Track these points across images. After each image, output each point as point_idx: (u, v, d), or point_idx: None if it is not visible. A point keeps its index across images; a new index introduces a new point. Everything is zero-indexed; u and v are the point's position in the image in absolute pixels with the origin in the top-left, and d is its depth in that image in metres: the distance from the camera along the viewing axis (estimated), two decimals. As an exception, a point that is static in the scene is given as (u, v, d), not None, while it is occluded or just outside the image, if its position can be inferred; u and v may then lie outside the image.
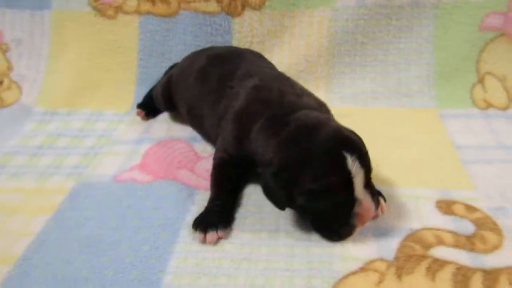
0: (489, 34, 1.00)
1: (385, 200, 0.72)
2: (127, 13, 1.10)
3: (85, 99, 1.10)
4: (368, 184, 0.65)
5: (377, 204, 0.66)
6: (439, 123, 0.95)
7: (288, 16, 1.06)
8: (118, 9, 1.10)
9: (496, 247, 0.65)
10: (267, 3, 1.05)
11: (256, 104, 0.75)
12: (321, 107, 0.78)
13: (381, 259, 0.64)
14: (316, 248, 0.67)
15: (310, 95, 0.80)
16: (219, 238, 0.70)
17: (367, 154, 0.66)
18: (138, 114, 1.05)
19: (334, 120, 0.73)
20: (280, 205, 0.67)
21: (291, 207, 0.68)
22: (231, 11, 1.07)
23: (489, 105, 0.98)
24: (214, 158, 0.80)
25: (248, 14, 1.06)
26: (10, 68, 1.15)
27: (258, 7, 1.06)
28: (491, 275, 0.61)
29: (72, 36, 1.13)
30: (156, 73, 1.10)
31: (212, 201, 0.75)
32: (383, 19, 1.02)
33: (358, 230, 0.66)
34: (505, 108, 0.97)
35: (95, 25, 1.11)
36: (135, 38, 1.10)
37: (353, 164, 0.62)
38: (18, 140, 1.00)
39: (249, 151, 0.73)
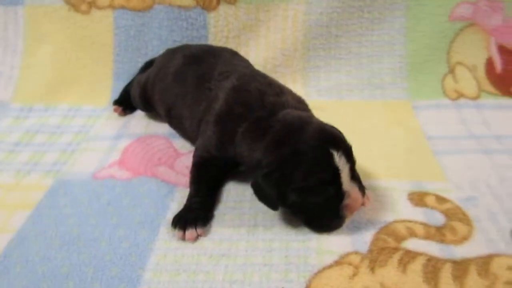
0: (459, 24, 0.98)
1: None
2: (100, 8, 1.05)
3: (61, 94, 1.05)
4: (354, 176, 0.66)
5: (363, 193, 0.67)
6: (412, 115, 0.94)
7: (263, 10, 1.02)
8: (92, 4, 1.05)
9: (465, 238, 0.65)
10: (242, -4, 1.01)
11: (238, 107, 0.73)
12: (300, 103, 0.77)
13: (356, 252, 0.63)
14: (293, 242, 0.66)
15: (288, 92, 0.78)
16: (198, 235, 0.68)
17: (350, 148, 0.67)
18: (115, 110, 1.01)
19: (314, 117, 0.73)
20: (273, 205, 0.66)
21: (283, 206, 0.67)
22: (206, 6, 1.02)
23: (460, 95, 0.97)
24: (194, 156, 0.78)
25: (223, 8, 1.02)
26: (-16, 65, 1.09)
27: (233, 1, 1.01)
28: (460, 266, 0.60)
29: (46, 32, 1.07)
30: (132, 68, 1.06)
31: (191, 198, 0.73)
32: (355, 12, 1.00)
33: (347, 220, 0.66)
34: (475, 98, 0.97)
35: (69, 20, 1.06)
36: (110, 33, 1.05)
37: (339, 160, 0.63)
38: (-7, 137, 0.96)
39: (233, 154, 0.72)
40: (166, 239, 0.68)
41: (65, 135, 0.95)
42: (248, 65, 0.88)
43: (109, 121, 0.99)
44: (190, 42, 1.04)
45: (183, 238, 0.67)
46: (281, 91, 0.76)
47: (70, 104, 1.04)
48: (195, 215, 0.69)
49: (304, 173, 0.62)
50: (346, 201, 0.64)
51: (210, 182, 0.75)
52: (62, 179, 0.82)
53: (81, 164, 0.86)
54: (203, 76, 0.82)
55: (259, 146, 0.67)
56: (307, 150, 0.63)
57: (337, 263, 0.62)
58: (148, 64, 1.01)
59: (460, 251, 0.63)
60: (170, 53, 0.92)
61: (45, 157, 0.88)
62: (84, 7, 1.05)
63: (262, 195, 0.66)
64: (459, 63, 0.98)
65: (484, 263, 0.61)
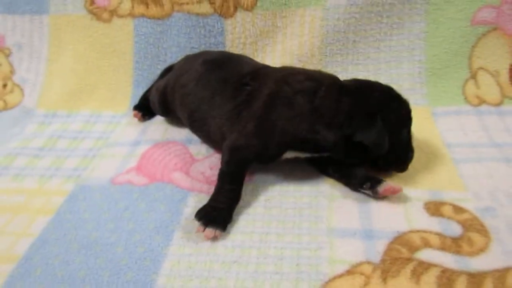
0: (481, 28, 0.97)
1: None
2: (121, 16, 1.08)
3: (83, 101, 1.10)
4: None
5: None
6: (431, 122, 0.93)
7: (280, 16, 1.03)
8: (113, 12, 1.08)
9: (482, 250, 0.64)
10: (258, 3, 1.02)
11: (301, 83, 0.78)
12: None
13: (368, 262, 0.64)
14: (305, 251, 0.67)
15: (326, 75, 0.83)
16: (215, 237, 0.70)
17: None
18: (135, 116, 1.04)
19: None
20: (385, 148, 0.74)
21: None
22: (224, 12, 1.04)
23: (481, 101, 0.95)
24: (233, 149, 0.77)
25: (240, 15, 1.04)
26: (12, 71, 1.15)
27: (250, 8, 1.03)
28: (475, 278, 0.60)
29: (69, 40, 1.11)
30: (152, 75, 1.09)
31: (221, 192, 0.74)
32: (374, 17, 0.99)
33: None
34: (498, 104, 0.95)
35: (91, 28, 1.10)
36: (130, 41, 1.09)
37: None
38: (20, 141, 1.00)
39: (280, 140, 0.76)
40: (180, 245, 0.70)
41: (86, 140, 0.99)
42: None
43: (129, 127, 1.02)
44: (207, 49, 1.06)
45: (201, 232, 0.70)
46: (322, 74, 0.82)
47: (91, 110, 1.08)
48: (220, 217, 0.71)
49: (402, 112, 0.78)
50: None
51: (242, 180, 0.76)
52: (82, 184, 0.85)
53: (101, 169, 0.89)
54: (229, 78, 0.84)
55: (344, 108, 0.75)
56: (390, 97, 0.78)
57: (349, 272, 0.63)
58: (167, 71, 1.04)
59: (476, 263, 0.62)
60: (190, 60, 0.95)
61: (66, 163, 0.92)
62: (105, 15, 1.09)
63: (378, 143, 0.73)
64: (481, 68, 0.97)
65: (501, 276, 0.60)
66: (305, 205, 0.76)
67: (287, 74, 0.80)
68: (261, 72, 0.84)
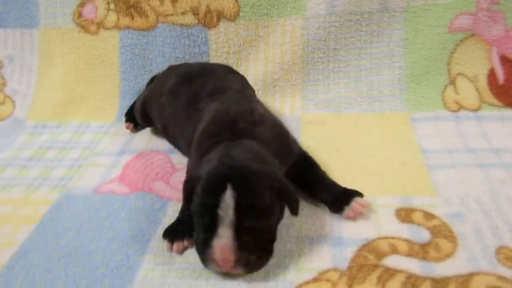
0: (459, 35, 0.98)
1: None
2: (107, 28, 1.12)
3: (72, 112, 1.13)
4: (249, 234, 0.61)
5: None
6: (409, 128, 0.94)
7: (262, 26, 1.05)
8: (100, 24, 1.12)
9: (448, 255, 0.65)
10: (241, 13, 1.05)
11: (214, 130, 0.75)
12: (275, 139, 0.75)
13: (335, 269, 0.65)
14: (273, 258, 0.68)
15: (266, 124, 0.77)
16: (185, 248, 0.72)
17: (267, 208, 0.63)
18: (127, 127, 1.07)
19: (270, 163, 0.69)
20: None
21: None
22: (207, 23, 1.07)
23: (460, 107, 0.96)
24: (186, 173, 0.82)
25: (223, 25, 1.07)
26: (4, 83, 1.19)
27: (233, 18, 1.06)
28: (439, 284, 0.61)
29: (59, 52, 1.15)
30: (138, 85, 1.12)
31: (182, 211, 0.77)
32: (353, 25, 1.01)
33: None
34: (476, 109, 0.96)
35: (79, 40, 1.14)
36: (116, 52, 1.12)
37: (230, 201, 0.60)
38: (10, 152, 1.04)
39: None
40: (156, 253, 0.72)
41: (73, 150, 1.02)
42: (242, 85, 0.91)
43: (115, 137, 1.05)
44: (192, 59, 1.09)
45: (171, 250, 0.71)
46: (260, 119, 0.76)
47: (80, 121, 1.11)
48: (184, 228, 0.73)
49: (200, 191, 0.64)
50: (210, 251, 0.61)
51: None
52: (67, 194, 0.88)
53: (86, 179, 0.92)
54: (193, 96, 0.86)
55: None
56: (213, 175, 0.63)
57: (315, 279, 0.64)
58: (152, 81, 1.07)
59: (441, 269, 0.63)
60: (167, 72, 0.98)
61: (54, 173, 0.95)
62: (93, 28, 1.12)
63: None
64: (460, 74, 0.98)
65: (464, 281, 0.61)
66: None
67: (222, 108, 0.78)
68: (212, 97, 0.83)
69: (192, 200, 0.73)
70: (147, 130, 1.06)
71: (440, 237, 0.68)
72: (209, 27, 1.07)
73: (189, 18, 1.07)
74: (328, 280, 0.64)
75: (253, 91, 0.97)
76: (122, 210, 0.82)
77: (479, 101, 0.96)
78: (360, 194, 0.75)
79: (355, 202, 0.73)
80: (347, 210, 0.73)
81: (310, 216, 0.75)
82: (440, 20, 0.98)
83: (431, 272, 0.63)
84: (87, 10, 1.11)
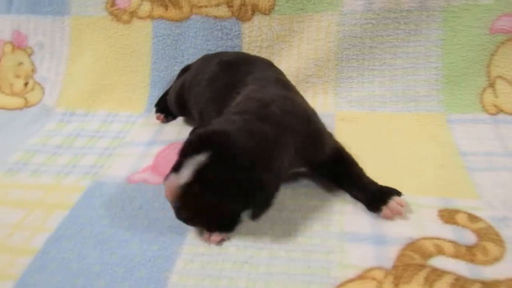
0: (500, 36, 0.96)
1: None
2: (141, 18, 1.11)
3: (101, 101, 1.12)
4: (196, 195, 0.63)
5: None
6: (445, 129, 0.92)
7: (297, 21, 1.04)
8: (133, 14, 1.11)
9: (496, 259, 0.63)
10: (276, 8, 1.04)
11: (244, 106, 0.74)
12: (301, 133, 0.73)
13: (379, 268, 0.63)
14: (315, 254, 0.67)
15: (298, 114, 0.74)
16: (222, 239, 0.71)
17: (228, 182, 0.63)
18: (157, 118, 1.06)
19: (271, 156, 0.66)
20: None
21: None
22: (241, 16, 1.06)
23: (499, 110, 0.94)
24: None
25: (257, 18, 1.05)
26: (34, 70, 1.18)
27: (268, 12, 1.04)
28: (489, 287, 0.59)
29: (89, 40, 1.14)
30: (168, 76, 1.11)
31: None
32: (391, 23, 0.99)
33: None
34: (515, 114, 0.94)
35: (110, 29, 1.13)
36: (148, 42, 1.11)
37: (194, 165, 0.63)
38: (39, 138, 1.03)
39: None
40: (193, 244, 0.71)
41: (102, 139, 1.01)
42: (283, 76, 0.90)
43: (145, 128, 1.04)
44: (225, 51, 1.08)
45: (208, 241, 0.70)
46: (292, 109, 0.74)
47: (109, 110, 1.10)
48: (222, 219, 0.71)
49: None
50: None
51: None
52: (98, 182, 0.87)
53: (116, 168, 0.91)
54: (233, 83, 0.84)
55: None
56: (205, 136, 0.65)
57: (360, 277, 0.62)
58: (183, 71, 1.06)
59: (490, 272, 0.61)
60: (207, 59, 0.96)
61: (83, 160, 0.94)
62: (125, 17, 1.11)
63: None
64: (500, 77, 0.96)
65: (515, 286, 0.59)
66: (316, 208, 0.76)
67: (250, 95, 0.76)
68: (257, 78, 0.82)
69: None
70: (177, 121, 1.05)
71: (487, 240, 0.66)
72: (243, 20, 1.06)
73: (223, 11, 1.06)
74: (373, 279, 0.62)
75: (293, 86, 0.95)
76: (156, 200, 0.81)
77: (519, 105, 0.94)
78: (398, 193, 0.73)
79: (393, 201, 0.72)
80: (385, 210, 0.72)
81: (350, 214, 0.74)
82: (481, 21, 0.96)
83: (479, 274, 0.61)
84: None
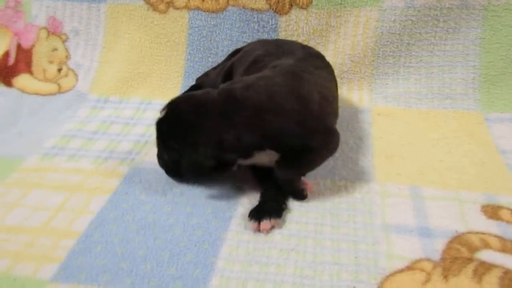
0: (539, 37, 0.97)
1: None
2: (177, 8, 1.11)
3: (135, 88, 1.13)
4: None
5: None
6: (484, 127, 0.93)
7: (335, 16, 1.04)
8: (169, 4, 1.12)
9: (544, 254, 0.64)
10: (314, 2, 1.04)
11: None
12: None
13: (428, 259, 0.64)
14: (362, 244, 0.68)
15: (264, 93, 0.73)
16: (272, 227, 0.71)
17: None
18: None
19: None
20: None
21: None
22: (279, 9, 1.06)
23: (537, 110, 0.95)
24: None
25: (295, 12, 1.06)
26: (68, 56, 1.19)
27: (306, 6, 1.05)
28: (538, 281, 0.60)
29: (125, 29, 1.15)
30: (202, 67, 1.11)
31: (263, 194, 0.77)
32: (430, 21, 1.00)
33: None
34: (552, 114, 0.94)
35: (147, 18, 1.13)
36: (184, 33, 1.12)
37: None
38: (74, 124, 1.04)
39: None
40: (238, 231, 0.71)
41: (137, 126, 1.02)
42: (326, 68, 0.89)
43: (179, 116, 1.05)
44: (259, 44, 1.09)
45: (258, 229, 0.71)
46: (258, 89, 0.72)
47: (142, 97, 1.11)
48: (270, 208, 0.73)
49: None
50: None
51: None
52: (137, 168, 0.88)
53: (153, 154, 0.88)
54: (264, 65, 0.83)
55: None
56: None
57: (409, 268, 0.63)
58: (234, 53, 1.04)
59: (538, 267, 0.62)
60: (259, 45, 0.96)
61: (120, 146, 0.95)
62: (162, 6, 1.12)
63: None
64: (540, 77, 0.97)
65: None
66: (358, 200, 0.76)
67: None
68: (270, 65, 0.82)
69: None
70: None
71: (533, 236, 0.67)
72: (280, 14, 1.07)
73: (261, 3, 1.07)
74: (422, 270, 0.63)
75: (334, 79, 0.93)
76: (197, 187, 0.82)
77: (556, 105, 0.95)
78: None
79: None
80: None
81: (393, 206, 0.74)
82: (521, 20, 0.97)
83: None
84: (158, -11, 1.11)
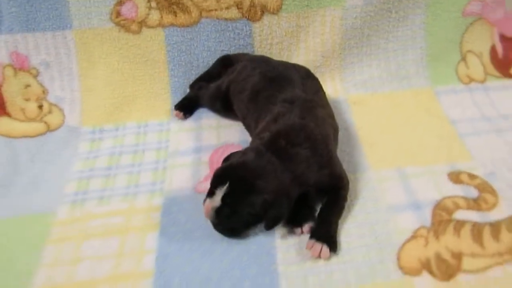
0: (470, 18, 1.28)
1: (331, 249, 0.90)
2: (151, 27, 1.20)
3: (126, 113, 1.23)
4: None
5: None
6: (435, 101, 1.24)
7: (303, 17, 1.23)
8: (142, 23, 1.20)
9: (494, 205, 0.98)
10: (283, 7, 1.21)
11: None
12: (306, 162, 0.92)
13: (423, 227, 0.94)
14: (377, 226, 0.95)
15: (310, 144, 0.93)
16: (311, 228, 0.93)
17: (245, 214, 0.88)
18: (176, 115, 1.22)
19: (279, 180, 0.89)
20: None
21: None
22: (251, 17, 1.22)
23: (471, 80, 1.29)
24: None
25: (267, 18, 1.23)
26: (45, 91, 1.22)
27: (276, 11, 1.22)
28: (495, 226, 0.94)
29: (99, 53, 1.21)
30: (187, 80, 1.26)
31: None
32: (385, 13, 1.25)
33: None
34: (483, 81, 1.29)
35: (120, 40, 1.21)
36: (163, 50, 1.22)
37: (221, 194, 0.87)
38: (81, 163, 1.12)
39: None
40: (284, 239, 0.92)
41: (147, 153, 1.14)
42: (316, 90, 1.09)
43: (180, 134, 1.19)
44: (237, 50, 1.25)
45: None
46: (304, 139, 0.93)
47: (137, 121, 1.23)
48: (302, 214, 0.96)
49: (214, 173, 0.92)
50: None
51: None
52: (169, 197, 1.02)
53: (178, 180, 1.06)
54: (271, 97, 1.04)
55: None
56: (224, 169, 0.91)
57: (413, 237, 0.93)
58: (222, 61, 1.22)
59: (493, 216, 0.95)
60: (250, 68, 1.13)
61: (141, 178, 1.07)
62: (134, 27, 1.19)
63: None
64: (469, 51, 1.29)
65: (510, 221, 0.96)
66: (363, 190, 1.02)
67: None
68: (288, 98, 1.01)
69: None
70: (211, 123, 1.21)
71: (485, 192, 1.01)
72: (253, 21, 1.22)
73: (233, 12, 1.21)
74: (421, 236, 0.94)
75: (324, 93, 1.13)
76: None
77: (484, 74, 1.29)
78: (334, 248, 0.90)
79: (318, 245, 0.89)
80: (310, 242, 0.90)
81: (389, 190, 1.03)
82: (455, 6, 1.26)
83: (487, 219, 0.95)
84: (126, 9, 1.17)
